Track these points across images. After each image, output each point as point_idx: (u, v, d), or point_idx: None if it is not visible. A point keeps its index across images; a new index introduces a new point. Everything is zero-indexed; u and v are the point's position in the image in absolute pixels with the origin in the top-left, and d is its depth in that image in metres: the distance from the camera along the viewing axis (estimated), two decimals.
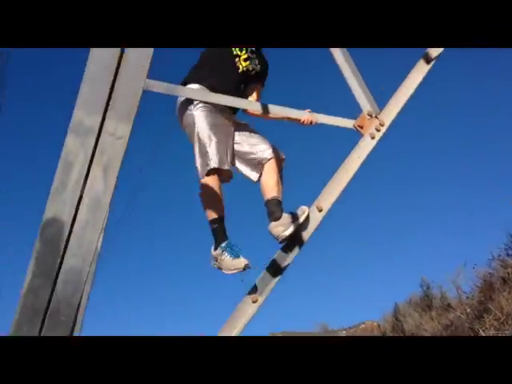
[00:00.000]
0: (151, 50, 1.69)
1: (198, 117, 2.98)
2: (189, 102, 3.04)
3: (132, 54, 1.67)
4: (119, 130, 1.65)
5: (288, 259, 2.93)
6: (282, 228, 2.88)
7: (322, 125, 3.25)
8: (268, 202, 3.03)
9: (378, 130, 3.30)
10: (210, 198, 2.88)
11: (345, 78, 3.28)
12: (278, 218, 2.93)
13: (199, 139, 2.94)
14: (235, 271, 2.68)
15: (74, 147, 1.62)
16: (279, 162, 3.16)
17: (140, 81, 1.67)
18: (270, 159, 3.10)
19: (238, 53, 3.25)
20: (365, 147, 3.26)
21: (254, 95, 3.44)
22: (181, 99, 3.12)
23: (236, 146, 3.19)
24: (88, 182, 1.66)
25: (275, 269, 2.89)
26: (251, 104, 3.22)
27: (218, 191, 2.89)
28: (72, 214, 1.67)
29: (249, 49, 3.27)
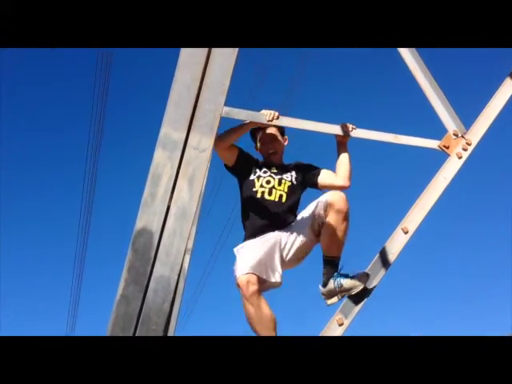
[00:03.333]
0: (231, 68, 1.80)
1: (237, 262, 2.72)
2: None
3: (213, 72, 1.79)
4: (202, 144, 1.76)
5: (374, 281, 2.87)
6: (325, 296, 2.80)
7: (407, 146, 3.22)
8: (323, 261, 2.83)
9: (465, 150, 3.21)
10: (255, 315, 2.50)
11: (428, 98, 3.25)
12: (324, 285, 2.79)
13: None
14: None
15: (162, 160, 1.74)
16: (338, 215, 2.73)
17: (221, 97, 1.78)
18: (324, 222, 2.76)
19: (258, 188, 2.92)
20: (451, 168, 3.18)
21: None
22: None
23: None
24: (175, 193, 1.76)
25: (362, 291, 2.84)
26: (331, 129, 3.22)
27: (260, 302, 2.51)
28: (161, 224, 1.77)
29: (266, 173, 2.98)
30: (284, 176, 2.96)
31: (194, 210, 1.77)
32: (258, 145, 3.09)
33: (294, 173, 3.00)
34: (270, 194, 2.88)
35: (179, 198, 1.76)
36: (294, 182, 2.96)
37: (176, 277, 1.82)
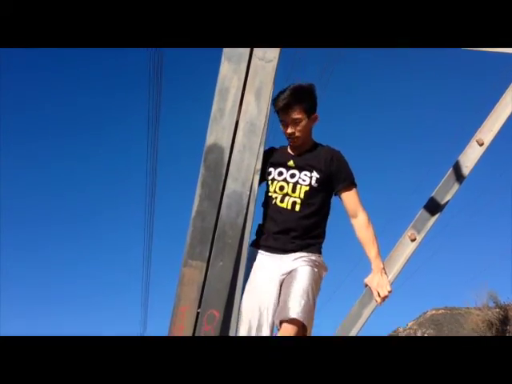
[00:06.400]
0: None
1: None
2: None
3: None
4: (268, 54, 1.71)
5: (448, 195, 2.80)
6: None
7: (481, 53, 3.02)
8: None
9: None
10: None
11: None
12: None
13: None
14: None
15: (229, 73, 1.71)
16: (301, 331, 2.22)
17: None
18: (290, 320, 2.20)
19: (272, 194, 2.40)
20: None
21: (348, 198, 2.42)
22: None
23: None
24: (243, 106, 1.75)
25: (434, 205, 2.78)
26: None
27: None
28: (230, 140, 1.78)
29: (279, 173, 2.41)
30: (301, 178, 2.39)
31: (262, 124, 1.75)
32: (281, 127, 2.43)
33: (316, 173, 2.38)
34: (281, 201, 2.39)
35: (247, 111, 1.74)
36: (314, 185, 2.38)
37: (248, 192, 1.85)
